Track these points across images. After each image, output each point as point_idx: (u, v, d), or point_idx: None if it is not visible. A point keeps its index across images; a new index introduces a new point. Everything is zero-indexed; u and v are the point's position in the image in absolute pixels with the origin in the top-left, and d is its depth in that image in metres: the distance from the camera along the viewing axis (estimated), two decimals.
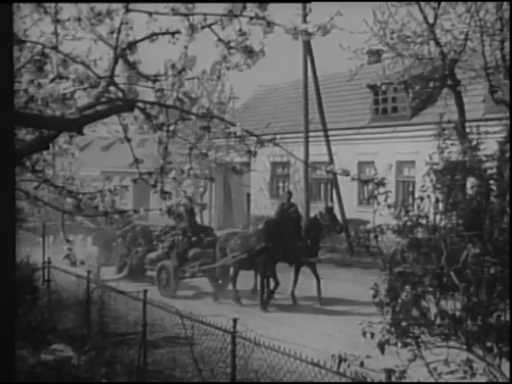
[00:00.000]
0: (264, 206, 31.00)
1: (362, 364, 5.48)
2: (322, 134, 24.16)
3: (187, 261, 16.66)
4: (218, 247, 16.04)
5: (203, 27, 3.61)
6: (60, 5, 3.96)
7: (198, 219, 31.26)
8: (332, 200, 26.92)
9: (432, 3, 15.77)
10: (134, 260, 18.44)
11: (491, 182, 6.53)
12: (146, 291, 9.22)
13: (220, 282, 16.57)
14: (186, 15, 3.58)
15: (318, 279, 15.32)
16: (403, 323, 6.12)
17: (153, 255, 17.92)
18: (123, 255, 18.99)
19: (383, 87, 22.12)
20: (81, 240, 25.27)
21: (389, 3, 16.30)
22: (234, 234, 16.60)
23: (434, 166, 6.71)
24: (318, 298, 15.16)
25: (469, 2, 15.11)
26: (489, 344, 5.91)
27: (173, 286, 16.36)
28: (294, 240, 15.29)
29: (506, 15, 14.55)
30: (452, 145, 6.80)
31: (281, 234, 15.13)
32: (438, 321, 6.13)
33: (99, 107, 3.90)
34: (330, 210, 16.37)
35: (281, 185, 31.69)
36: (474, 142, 6.86)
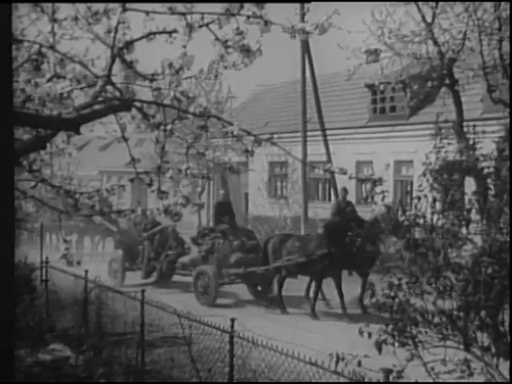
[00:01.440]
0: (262, 206, 31.00)
1: (359, 363, 5.48)
2: (319, 133, 24.15)
3: (229, 267, 15.33)
4: (271, 249, 14.62)
5: (200, 26, 3.60)
6: (57, 4, 3.95)
7: (195, 219, 31.30)
8: (330, 199, 26.92)
9: (430, 2, 15.77)
10: (165, 264, 17.18)
11: (488, 181, 6.54)
12: (143, 291, 9.21)
13: (259, 288, 15.61)
14: (184, 14, 3.58)
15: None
16: (400, 323, 6.13)
17: (186, 259, 16.68)
18: (151, 259, 17.60)
19: (381, 86, 22.12)
20: (97, 242, 24.50)
21: (387, 3, 16.30)
22: (289, 236, 15.21)
23: (431, 166, 6.71)
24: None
25: (467, 2, 15.11)
26: (486, 343, 5.91)
27: (213, 293, 15.08)
28: (357, 244, 13.75)
29: (504, 14, 14.55)
30: (449, 144, 6.81)
31: (344, 237, 13.76)
32: (436, 320, 6.13)
33: (96, 106, 3.89)
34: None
35: (279, 184, 31.69)
36: (471, 142, 6.86)
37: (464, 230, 6.60)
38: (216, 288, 15.09)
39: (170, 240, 17.62)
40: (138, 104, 4.00)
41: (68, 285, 12.30)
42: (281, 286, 14.51)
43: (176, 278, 17.28)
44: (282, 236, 15.33)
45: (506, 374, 5.72)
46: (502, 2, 14.29)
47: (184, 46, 3.69)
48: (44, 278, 12.63)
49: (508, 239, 6.11)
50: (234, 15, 3.53)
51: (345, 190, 15.92)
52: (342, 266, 14.05)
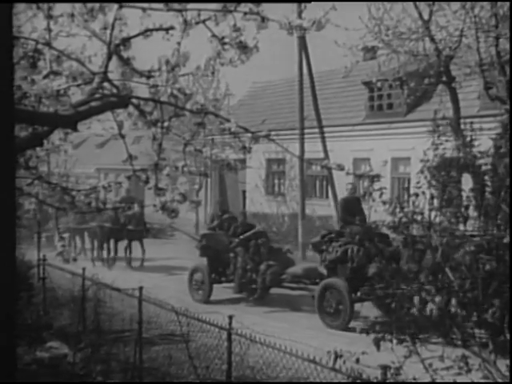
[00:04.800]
0: (260, 203, 31.01)
1: (357, 360, 5.48)
2: (317, 130, 24.15)
3: (365, 280, 11.53)
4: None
5: (197, 23, 3.60)
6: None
7: (193, 216, 31.20)
8: (327, 197, 26.94)
9: None
10: (269, 276, 13.94)
11: (486, 178, 6.55)
12: (141, 288, 9.20)
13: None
14: (180, 11, 3.57)
15: None
16: (399, 319, 6.13)
17: (298, 270, 13.86)
18: (247, 270, 14.52)
19: (378, 84, 22.11)
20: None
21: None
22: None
23: (428, 163, 6.72)
24: None
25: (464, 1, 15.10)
26: (484, 340, 5.92)
27: (346, 314, 11.94)
28: None
29: (501, 11, 14.56)
30: (446, 141, 6.82)
31: None
32: (434, 317, 6.14)
33: (93, 103, 3.88)
34: None
35: (276, 181, 31.71)
36: (469, 139, 6.87)
37: (462, 227, 6.61)
38: (351, 307, 12.02)
39: (269, 247, 14.67)
40: (134, 101, 3.98)
41: (65, 282, 12.30)
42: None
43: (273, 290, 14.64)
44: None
45: (504, 370, 5.73)
46: None
47: (178, 43, 3.68)
48: (42, 275, 12.62)
49: (505, 235, 6.11)
50: (230, 12, 3.52)
51: None
52: None
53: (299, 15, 3.69)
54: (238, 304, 14.42)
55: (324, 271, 12.82)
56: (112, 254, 20.99)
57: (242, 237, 15.00)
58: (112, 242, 20.92)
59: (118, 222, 20.23)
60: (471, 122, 7.26)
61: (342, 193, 24.47)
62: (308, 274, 13.46)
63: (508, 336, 5.87)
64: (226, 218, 16.25)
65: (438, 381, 5.67)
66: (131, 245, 20.67)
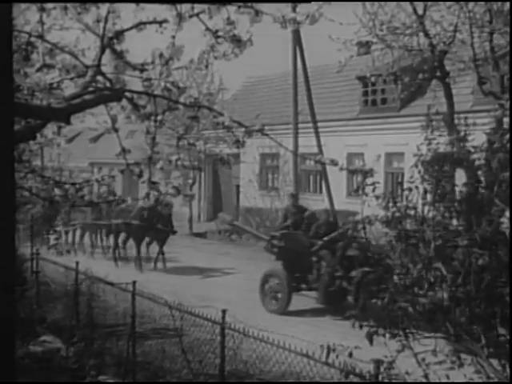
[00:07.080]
0: (253, 198, 31.02)
1: (350, 354, 5.49)
2: (311, 125, 24.13)
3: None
4: None
5: (191, 16, 3.59)
6: None
7: (186, 210, 31.15)
8: (321, 191, 26.96)
9: None
10: (366, 285, 11.45)
11: (479, 173, 6.56)
12: (134, 282, 9.18)
13: None
14: (174, 3, 3.56)
15: None
16: (391, 314, 6.15)
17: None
18: (335, 277, 12.38)
19: (372, 79, 22.07)
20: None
21: None
22: None
23: (422, 157, 6.73)
24: None
25: None
26: (476, 334, 5.94)
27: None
28: None
29: (495, 7, 14.57)
30: (440, 136, 6.83)
31: None
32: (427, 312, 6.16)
33: (86, 97, 3.87)
34: None
35: (270, 176, 31.70)
36: (462, 133, 6.88)
37: (455, 222, 6.62)
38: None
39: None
40: (128, 94, 3.97)
41: (59, 276, 12.28)
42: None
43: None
44: None
45: (496, 364, 5.75)
46: None
47: (173, 37, 3.67)
48: (35, 269, 12.60)
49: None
50: (224, 5, 3.51)
51: None
52: None
53: (293, 9, 3.68)
54: (322, 317, 12.59)
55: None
56: (140, 253, 18.95)
57: (326, 238, 12.97)
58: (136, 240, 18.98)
59: (147, 220, 18.35)
60: (465, 117, 7.27)
61: (336, 187, 24.51)
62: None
63: (500, 330, 5.90)
64: (306, 215, 14.22)
65: (430, 375, 5.69)
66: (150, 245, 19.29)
